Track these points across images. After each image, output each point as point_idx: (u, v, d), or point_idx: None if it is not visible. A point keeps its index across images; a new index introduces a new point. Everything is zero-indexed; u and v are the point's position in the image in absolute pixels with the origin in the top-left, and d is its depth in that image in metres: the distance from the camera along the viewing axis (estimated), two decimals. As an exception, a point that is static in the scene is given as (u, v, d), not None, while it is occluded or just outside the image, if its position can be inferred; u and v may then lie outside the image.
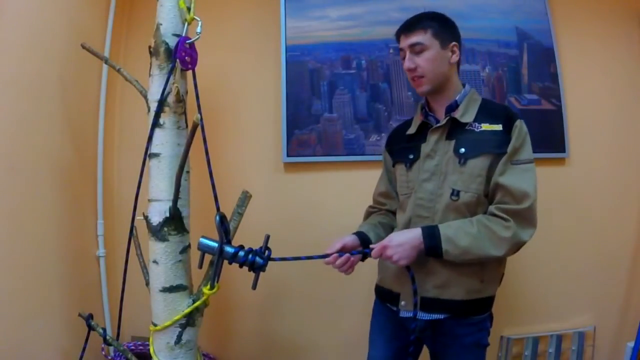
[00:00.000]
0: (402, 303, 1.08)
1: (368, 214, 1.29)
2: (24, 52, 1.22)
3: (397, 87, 1.67)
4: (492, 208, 1.00)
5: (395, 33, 1.13)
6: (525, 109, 1.65)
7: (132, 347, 1.49)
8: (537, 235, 1.61)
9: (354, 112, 1.67)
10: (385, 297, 1.16)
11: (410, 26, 1.08)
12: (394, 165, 1.21)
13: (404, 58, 1.10)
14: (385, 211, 1.26)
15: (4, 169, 1.15)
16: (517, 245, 0.98)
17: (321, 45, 1.69)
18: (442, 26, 1.08)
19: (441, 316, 1.04)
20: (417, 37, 1.05)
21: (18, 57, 1.20)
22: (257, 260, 1.05)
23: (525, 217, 0.97)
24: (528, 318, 1.64)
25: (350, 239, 1.09)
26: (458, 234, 0.96)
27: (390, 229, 1.20)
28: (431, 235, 0.97)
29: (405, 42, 1.07)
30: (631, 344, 1.57)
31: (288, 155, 1.65)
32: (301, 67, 1.68)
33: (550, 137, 1.65)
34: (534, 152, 1.58)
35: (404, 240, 0.98)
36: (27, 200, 1.23)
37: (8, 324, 1.14)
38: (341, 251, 1.04)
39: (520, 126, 1.02)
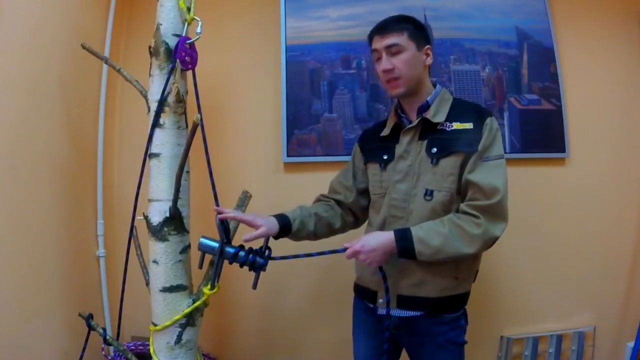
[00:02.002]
0: (380, 301, 1.09)
1: (316, 201, 1.29)
2: (24, 52, 1.22)
3: (397, 87, 1.67)
4: (462, 206, 1.00)
5: (368, 35, 1.13)
6: (525, 109, 1.65)
7: (132, 347, 1.49)
8: (537, 234, 1.63)
9: (354, 112, 1.67)
10: (363, 294, 1.17)
11: (386, 27, 1.08)
12: (365, 164, 1.21)
13: (377, 59, 1.10)
14: (334, 202, 1.25)
15: (4, 169, 1.15)
16: (489, 242, 0.98)
17: (321, 45, 1.69)
18: (416, 29, 1.09)
19: (417, 313, 1.06)
20: (394, 39, 1.06)
21: (18, 57, 1.20)
22: (257, 260, 1.06)
23: (496, 212, 0.97)
24: (528, 318, 1.64)
25: (266, 224, 1.08)
26: (429, 234, 0.97)
27: (327, 226, 1.21)
28: (403, 238, 0.98)
29: (380, 43, 1.07)
30: (631, 344, 1.57)
31: (288, 155, 1.65)
32: (301, 67, 1.68)
33: (550, 137, 1.65)
34: (534, 152, 1.62)
35: (375, 246, 0.98)
36: (27, 200, 1.23)
37: (8, 324, 1.14)
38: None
39: (490, 124, 1.02)
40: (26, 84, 1.23)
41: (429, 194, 1.03)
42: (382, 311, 1.09)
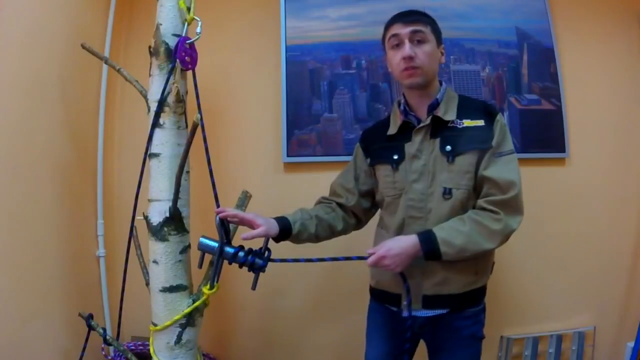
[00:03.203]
0: (405, 303, 1.07)
1: (317, 203, 1.26)
2: (24, 52, 1.22)
3: (397, 87, 1.67)
4: (480, 202, 1.02)
5: (389, 21, 1.10)
6: (525, 109, 1.65)
7: (132, 347, 1.50)
8: (537, 235, 1.63)
9: (354, 112, 1.66)
10: (384, 298, 1.16)
11: (412, 15, 1.07)
12: (372, 165, 1.18)
13: (395, 46, 1.07)
14: (335, 204, 1.23)
15: (4, 169, 1.15)
16: (508, 235, 1.01)
17: (321, 45, 1.69)
18: (436, 26, 1.10)
19: (442, 311, 1.06)
20: (420, 26, 1.05)
21: (18, 57, 1.20)
22: (257, 261, 1.05)
23: (513, 206, 1.00)
24: (528, 318, 1.64)
25: (266, 224, 1.06)
26: (452, 234, 0.98)
27: (328, 228, 1.18)
28: (428, 241, 0.98)
29: (405, 28, 1.04)
30: (631, 344, 1.57)
31: (288, 155, 1.65)
32: (301, 67, 1.68)
33: (550, 137, 1.65)
34: (534, 152, 1.62)
35: (400, 250, 0.99)
36: (27, 200, 1.23)
37: (8, 324, 1.14)
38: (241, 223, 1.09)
39: (500, 120, 1.05)
40: (26, 84, 1.23)
41: (447, 192, 1.03)
42: (406, 313, 1.07)
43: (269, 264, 1.07)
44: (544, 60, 1.68)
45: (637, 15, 1.72)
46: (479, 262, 1.06)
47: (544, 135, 1.64)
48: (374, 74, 1.67)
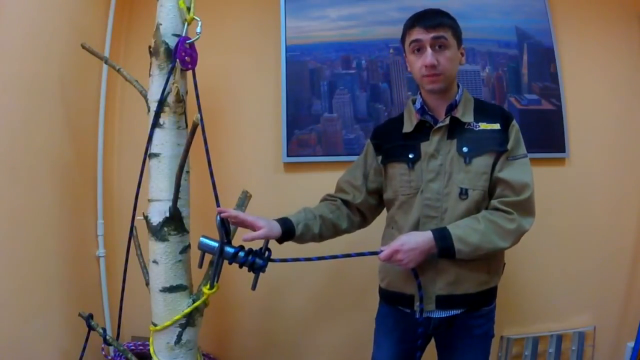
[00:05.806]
0: (417, 303, 1.07)
1: (322, 200, 1.25)
2: (24, 52, 1.22)
3: (397, 87, 1.67)
4: (494, 202, 1.03)
5: (409, 23, 1.08)
6: (525, 109, 1.65)
7: (132, 347, 1.49)
8: (537, 235, 1.61)
9: (354, 112, 1.67)
10: (395, 299, 1.14)
11: (433, 19, 1.05)
12: (385, 164, 1.16)
13: (416, 50, 1.06)
14: (340, 202, 1.21)
15: (4, 169, 1.15)
16: (520, 236, 1.02)
17: (321, 45, 1.69)
18: (458, 27, 1.10)
19: (457, 312, 1.06)
20: (442, 32, 1.04)
21: (18, 57, 1.20)
22: (257, 261, 1.05)
23: (526, 207, 1.02)
24: (528, 318, 1.64)
25: (268, 226, 1.05)
26: (467, 232, 0.99)
27: (332, 227, 1.17)
28: (443, 237, 0.99)
29: (427, 35, 1.03)
30: (631, 344, 1.57)
31: (288, 155, 1.65)
32: (301, 67, 1.68)
33: (550, 137, 1.65)
34: (534, 152, 1.62)
35: (415, 245, 0.99)
36: (27, 200, 1.23)
37: (8, 324, 1.14)
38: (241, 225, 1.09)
39: (516, 126, 1.08)
40: (26, 84, 1.23)
41: (464, 193, 1.04)
42: (419, 313, 1.06)
43: (269, 264, 1.07)
44: (544, 60, 1.68)
45: (637, 15, 1.72)
46: (491, 261, 1.06)
47: (544, 135, 1.64)
48: (374, 74, 1.68)
